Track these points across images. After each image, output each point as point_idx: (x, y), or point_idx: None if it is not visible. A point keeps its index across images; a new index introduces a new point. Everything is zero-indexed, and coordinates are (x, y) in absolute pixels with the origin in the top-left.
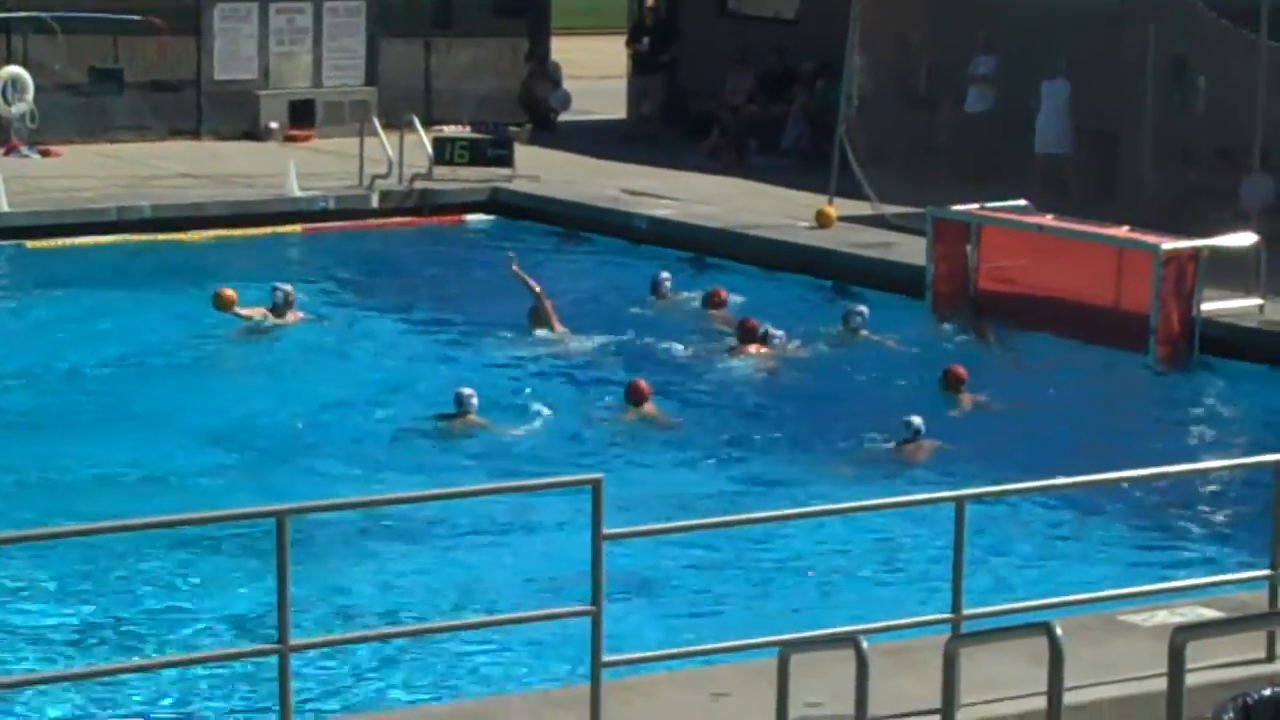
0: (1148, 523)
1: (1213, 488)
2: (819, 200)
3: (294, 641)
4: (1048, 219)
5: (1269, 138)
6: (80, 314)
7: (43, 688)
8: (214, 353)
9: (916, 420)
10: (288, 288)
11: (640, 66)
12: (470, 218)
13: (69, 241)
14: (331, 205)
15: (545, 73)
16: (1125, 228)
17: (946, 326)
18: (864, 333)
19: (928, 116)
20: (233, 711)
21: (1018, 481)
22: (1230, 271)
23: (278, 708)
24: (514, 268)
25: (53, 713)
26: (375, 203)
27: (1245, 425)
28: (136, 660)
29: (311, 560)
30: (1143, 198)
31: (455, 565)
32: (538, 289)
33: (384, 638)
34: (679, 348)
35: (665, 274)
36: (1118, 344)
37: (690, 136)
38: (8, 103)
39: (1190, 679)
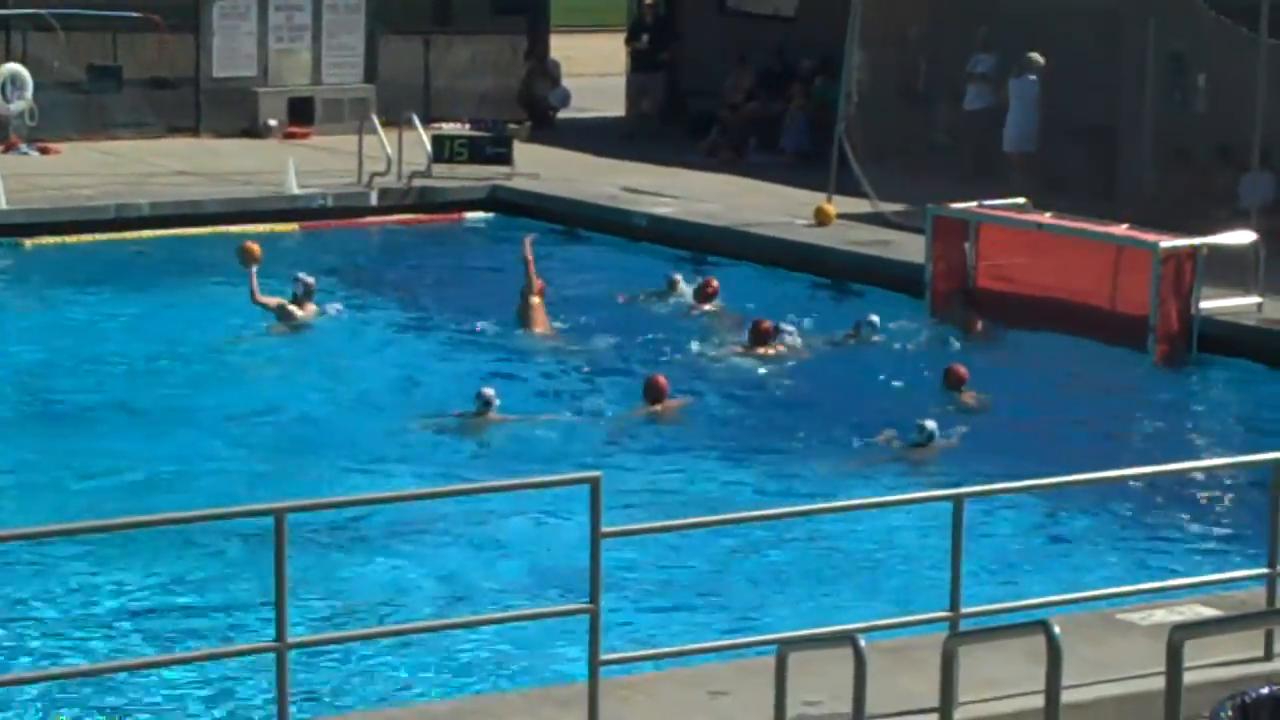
0: (1146, 521)
1: (1211, 486)
2: (818, 198)
3: (291, 639)
4: (1046, 217)
5: (1268, 135)
6: (79, 312)
7: (41, 685)
8: (214, 350)
9: (930, 424)
10: (310, 280)
11: (640, 64)
12: (469, 215)
13: (68, 239)
14: (330, 203)
15: (545, 70)
16: (1124, 226)
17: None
18: (876, 339)
19: (927, 114)
20: (231, 711)
21: (1015, 480)
22: (1229, 270)
23: (275, 706)
24: (527, 252)
25: (51, 711)
26: (374, 200)
27: (1243, 423)
28: (133, 659)
29: (309, 558)
30: (1141, 195)
31: (454, 562)
32: (538, 284)
33: (382, 635)
34: (692, 346)
35: (679, 275)
36: (1116, 342)
37: (690, 134)
38: (7, 100)
39: (1188, 677)
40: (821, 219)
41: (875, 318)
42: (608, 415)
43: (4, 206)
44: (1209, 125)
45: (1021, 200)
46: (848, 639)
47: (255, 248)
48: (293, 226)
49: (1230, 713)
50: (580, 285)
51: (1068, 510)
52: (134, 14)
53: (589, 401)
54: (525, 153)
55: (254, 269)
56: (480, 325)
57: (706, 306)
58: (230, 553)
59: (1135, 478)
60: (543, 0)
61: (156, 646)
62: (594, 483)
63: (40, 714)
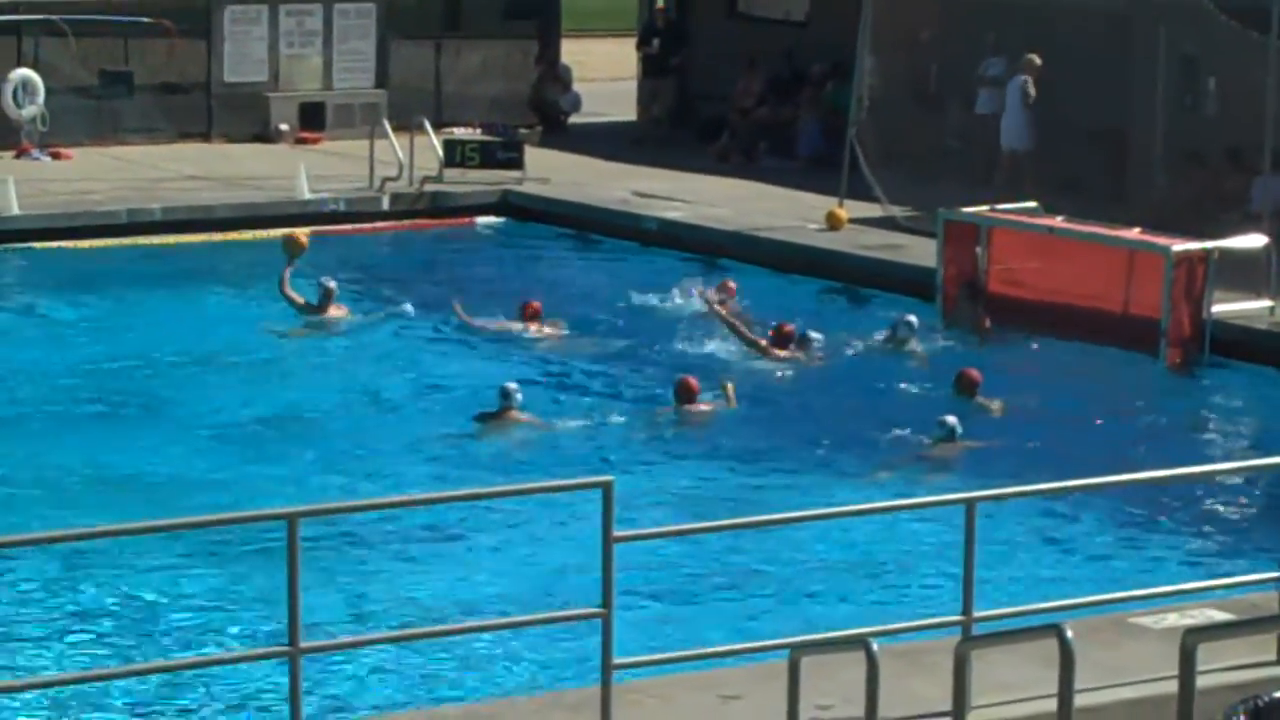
0: (1158, 525)
1: (1223, 490)
2: (829, 202)
3: (305, 644)
4: (1058, 221)
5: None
6: (91, 317)
7: (55, 690)
8: (225, 354)
9: (951, 420)
10: (331, 284)
11: (650, 69)
12: (480, 220)
13: (79, 244)
14: (341, 207)
15: (555, 75)
16: (1136, 229)
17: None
18: (912, 343)
19: (938, 118)
20: (244, 714)
21: (1027, 483)
22: (1241, 273)
23: (289, 711)
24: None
25: (63, 714)
26: (385, 205)
27: (1256, 427)
28: (149, 663)
29: (322, 563)
30: (1153, 199)
31: (465, 567)
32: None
33: (395, 640)
34: (713, 347)
35: (697, 279)
36: (1128, 346)
37: (700, 139)
38: (19, 105)
39: (1201, 681)
40: (833, 223)
41: (913, 318)
42: (629, 416)
43: (16, 212)
44: (1220, 129)
45: (1033, 204)
46: (860, 643)
47: (303, 239)
48: (305, 231)
49: (1242, 716)
50: (590, 289)
51: (1080, 514)
52: (145, 19)
53: (607, 404)
54: (536, 157)
55: (295, 261)
56: (489, 327)
57: (722, 310)
58: (245, 557)
59: (1146, 482)
60: (554, 5)
61: (169, 650)
62: (606, 487)
63: (51, 717)
